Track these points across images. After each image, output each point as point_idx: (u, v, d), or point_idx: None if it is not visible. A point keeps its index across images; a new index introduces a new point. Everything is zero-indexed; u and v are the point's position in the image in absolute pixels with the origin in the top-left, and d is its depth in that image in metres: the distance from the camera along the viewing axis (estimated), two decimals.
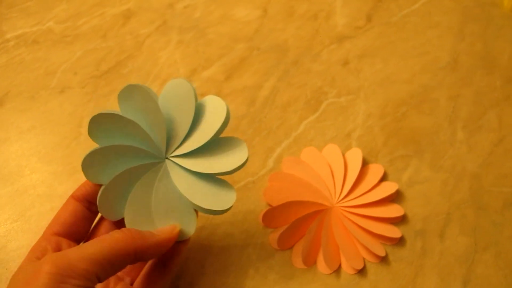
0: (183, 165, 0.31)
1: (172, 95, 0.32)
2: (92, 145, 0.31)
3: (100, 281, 0.25)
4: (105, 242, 0.26)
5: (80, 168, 0.42)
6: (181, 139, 0.31)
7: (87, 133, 0.43)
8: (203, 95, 0.46)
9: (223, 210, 0.31)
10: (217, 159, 0.31)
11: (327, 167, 0.42)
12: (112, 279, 0.30)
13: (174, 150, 0.32)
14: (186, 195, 0.31)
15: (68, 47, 0.49)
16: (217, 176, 0.32)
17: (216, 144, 0.32)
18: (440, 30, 0.52)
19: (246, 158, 0.31)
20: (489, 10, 0.54)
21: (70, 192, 0.41)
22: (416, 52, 0.51)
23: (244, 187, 0.42)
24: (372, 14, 0.53)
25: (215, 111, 0.31)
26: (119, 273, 0.32)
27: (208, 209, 0.30)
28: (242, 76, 0.48)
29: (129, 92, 0.30)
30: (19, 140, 0.44)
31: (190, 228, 0.31)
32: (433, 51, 0.51)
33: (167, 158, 0.32)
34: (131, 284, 0.31)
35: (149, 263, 0.32)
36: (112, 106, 0.46)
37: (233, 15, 0.52)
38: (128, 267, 0.32)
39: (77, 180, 0.40)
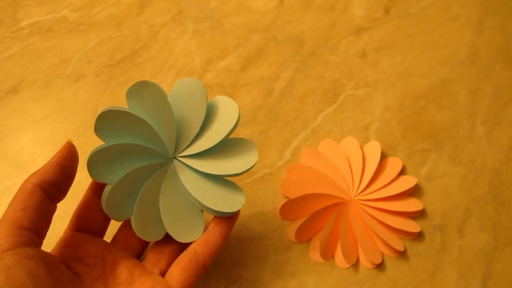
0: (192, 166, 0.31)
1: (182, 94, 0.31)
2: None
3: (32, 231, 0.25)
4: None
5: None
6: (191, 139, 0.31)
7: None
8: (219, 85, 0.46)
9: (232, 212, 0.30)
10: (227, 160, 0.31)
11: (345, 160, 0.41)
12: (137, 270, 0.30)
13: (183, 150, 0.31)
14: (195, 196, 0.30)
15: (83, 36, 0.49)
16: (225, 178, 0.31)
17: (226, 145, 0.31)
18: (459, 23, 0.51)
19: (256, 160, 0.31)
20: (510, 3, 0.53)
21: (84, 182, 0.41)
22: (435, 45, 0.50)
23: (261, 178, 0.41)
24: (390, 6, 0.52)
25: (227, 112, 0.31)
26: (148, 266, 0.31)
27: (217, 211, 0.30)
28: (258, 67, 0.47)
29: (139, 89, 0.29)
30: (34, 129, 0.44)
31: (198, 229, 0.31)
32: (452, 44, 0.50)
33: (175, 158, 0.31)
34: (162, 275, 0.30)
35: (183, 254, 0.31)
36: None
37: (250, 5, 0.51)
38: (157, 257, 0.31)
39: None
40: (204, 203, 0.30)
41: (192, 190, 0.30)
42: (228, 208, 0.30)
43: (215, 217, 0.32)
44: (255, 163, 0.31)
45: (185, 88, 0.31)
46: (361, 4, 0.52)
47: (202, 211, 0.32)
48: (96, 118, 0.28)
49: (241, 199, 0.31)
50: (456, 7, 0.52)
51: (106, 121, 0.29)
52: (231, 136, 0.32)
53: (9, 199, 0.40)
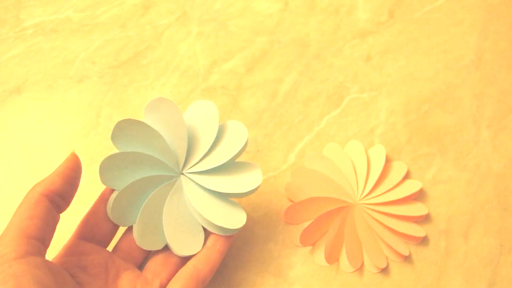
0: (198, 182, 0.32)
1: (197, 114, 0.33)
2: (109, 136, 0.30)
3: (38, 239, 0.25)
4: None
5: (98, 158, 0.42)
6: (200, 157, 0.33)
7: (105, 123, 0.43)
8: (224, 88, 0.46)
9: (234, 229, 0.32)
10: (232, 180, 0.33)
11: (350, 164, 0.41)
12: (139, 282, 0.30)
13: (191, 167, 0.32)
14: (199, 210, 0.31)
15: (87, 36, 0.49)
16: (229, 199, 0.33)
17: (232, 167, 0.33)
18: (464, 27, 0.51)
19: (260, 182, 0.32)
20: None
21: (87, 183, 0.41)
22: (440, 49, 0.50)
23: (266, 182, 0.41)
24: (394, 9, 0.52)
25: (236, 135, 0.33)
26: (149, 276, 0.31)
27: (219, 226, 0.31)
28: (263, 70, 0.47)
29: (158, 104, 0.31)
30: (37, 129, 0.43)
31: (197, 245, 0.32)
32: (457, 49, 0.50)
33: (182, 173, 0.33)
34: None
35: (183, 269, 0.31)
36: (130, 97, 0.45)
37: (254, 8, 0.51)
38: (158, 269, 0.31)
39: (94, 171, 0.39)
40: (207, 217, 0.31)
41: (197, 204, 0.31)
42: (231, 225, 0.31)
43: (212, 234, 0.32)
44: (259, 186, 0.32)
45: (201, 109, 0.33)
46: (366, 7, 0.52)
47: (204, 228, 0.32)
48: (114, 125, 0.30)
49: (243, 218, 0.32)
50: (461, 12, 0.52)
51: (124, 129, 0.30)
52: (238, 159, 0.34)
53: (9, 200, 0.40)
